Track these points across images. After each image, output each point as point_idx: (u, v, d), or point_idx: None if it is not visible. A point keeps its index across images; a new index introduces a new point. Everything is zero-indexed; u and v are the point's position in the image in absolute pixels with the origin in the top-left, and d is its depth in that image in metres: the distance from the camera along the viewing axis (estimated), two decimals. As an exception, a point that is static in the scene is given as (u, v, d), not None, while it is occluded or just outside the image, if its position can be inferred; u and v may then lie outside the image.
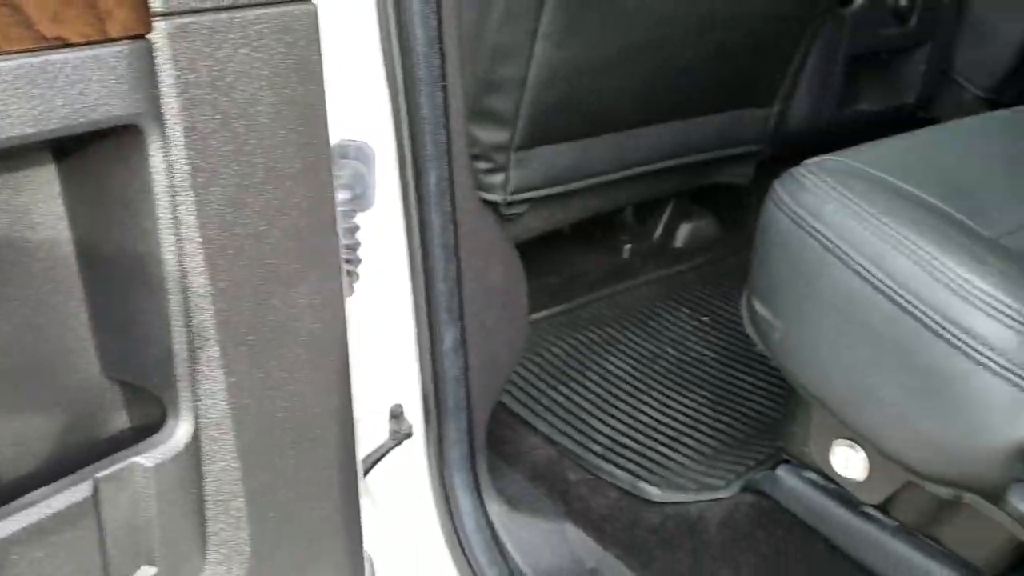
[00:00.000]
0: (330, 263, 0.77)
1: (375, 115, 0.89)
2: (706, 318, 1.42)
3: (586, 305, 1.44)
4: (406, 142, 0.89)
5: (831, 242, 0.73)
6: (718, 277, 1.55)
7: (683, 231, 1.63)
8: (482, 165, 1.19)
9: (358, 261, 0.88)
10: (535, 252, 1.48)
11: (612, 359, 1.31)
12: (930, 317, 0.67)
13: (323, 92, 0.72)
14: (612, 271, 1.54)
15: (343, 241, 0.88)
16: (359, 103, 0.89)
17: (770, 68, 1.37)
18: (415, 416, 1.00)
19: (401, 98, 0.87)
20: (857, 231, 0.72)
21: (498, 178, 1.20)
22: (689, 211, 1.65)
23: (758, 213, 1.70)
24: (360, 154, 0.91)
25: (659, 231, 1.62)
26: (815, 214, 0.75)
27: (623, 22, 1.12)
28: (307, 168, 0.72)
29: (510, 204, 1.23)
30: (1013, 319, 0.64)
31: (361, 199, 0.91)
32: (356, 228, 0.88)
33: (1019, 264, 0.69)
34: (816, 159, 0.86)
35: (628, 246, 1.59)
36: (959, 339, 0.65)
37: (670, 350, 1.34)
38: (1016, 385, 0.63)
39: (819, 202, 0.76)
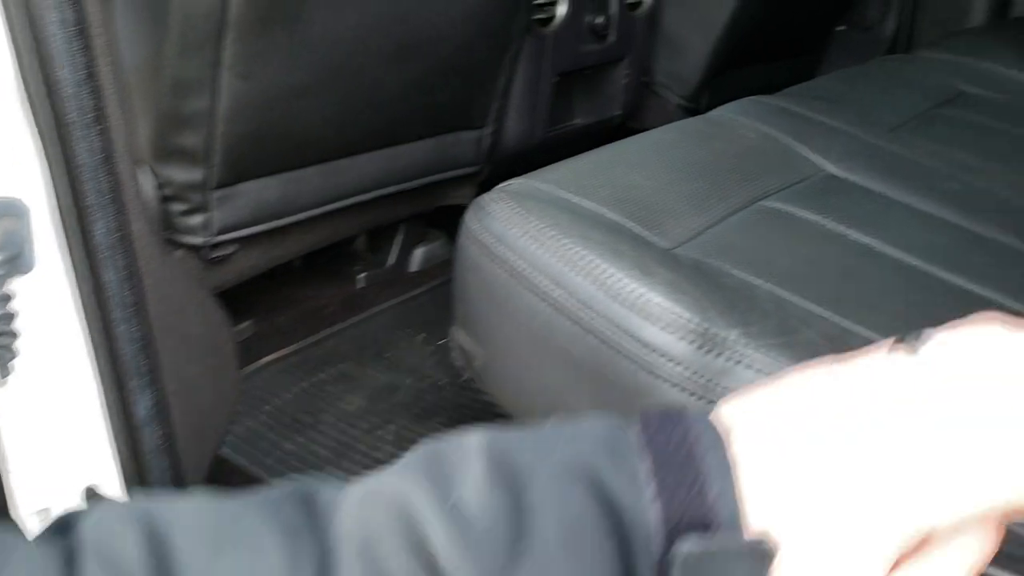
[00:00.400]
0: (-40, 345, 0.66)
1: (26, 167, 0.79)
2: (442, 341, 1.41)
3: (319, 342, 1.38)
4: (64, 193, 0.79)
5: (516, 267, 0.73)
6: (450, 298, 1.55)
7: (417, 255, 1.62)
8: (178, 207, 1.11)
9: (13, 336, 0.77)
10: (260, 290, 1.40)
11: (348, 397, 1.26)
12: (611, 333, 0.68)
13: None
14: (346, 303, 1.49)
15: (-7, 313, 0.77)
16: (5, 156, 0.79)
17: (477, 91, 1.39)
18: (116, 495, 0.90)
19: (52, 147, 0.78)
20: (538, 254, 0.72)
21: (198, 219, 1.12)
22: (422, 234, 1.64)
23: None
24: (12, 211, 0.80)
25: (393, 257, 1.59)
26: (500, 239, 0.75)
27: (310, 51, 1.08)
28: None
29: (216, 246, 1.15)
30: (684, 329, 0.66)
31: (16, 262, 0.80)
32: (9, 297, 0.77)
33: (686, 272, 0.72)
34: (505, 183, 0.86)
35: (362, 275, 1.54)
36: (637, 354, 0.67)
37: (408, 380, 1.31)
38: (692, 393, 0.66)
39: (503, 228, 0.75)
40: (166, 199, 1.10)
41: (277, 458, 1.14)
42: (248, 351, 1.34)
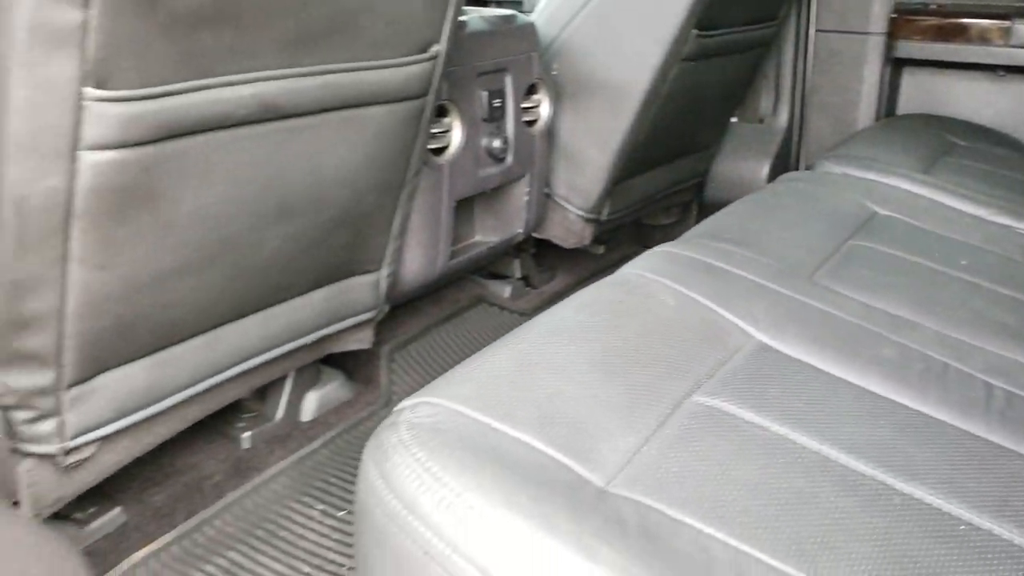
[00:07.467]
0: None
1: None
2: (343, 513, 1.27)
3: (202, 525, 1.22)
4: None
5: (433, 547, 0.61)
6: (353, 449, 1.41)
7: (310, 401, 1.47)
8: (23, 415, 0.95)
9: None
10: (130, 463, 1.23)
11: (234, 599, 1.08)
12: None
13: None
14: (231, 469, 1.33)
15: None
16: None
17: (372, 235, 1.27)
18: None
19: None
20: (459, 534, 0.61)
21: (48, 425, 0.96)
22: (315, 376, 1.50)
23: (388, 365, 1.58)
24: None
25: (282, 407, 1.44)
26: (412, 508, 0.63)
27: (178, 230, 0.95)
28: None
29: (71, 451, 0.99)
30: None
31: None
32: None
33: (632, 542, 0.61)
34: (410, 404, 0.75)
35: (247, 434, 1.39)
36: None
37: (306, 568, 1.16)
38: None
39: (413, 491, 0.64)
40: (6, 408, 0.93)
41: None
42: (118, 546, 1.17)
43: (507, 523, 0.61)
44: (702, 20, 1.62)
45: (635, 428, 0.76)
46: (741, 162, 2.18)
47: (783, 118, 2.19)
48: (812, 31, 2.15)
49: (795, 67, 2.16)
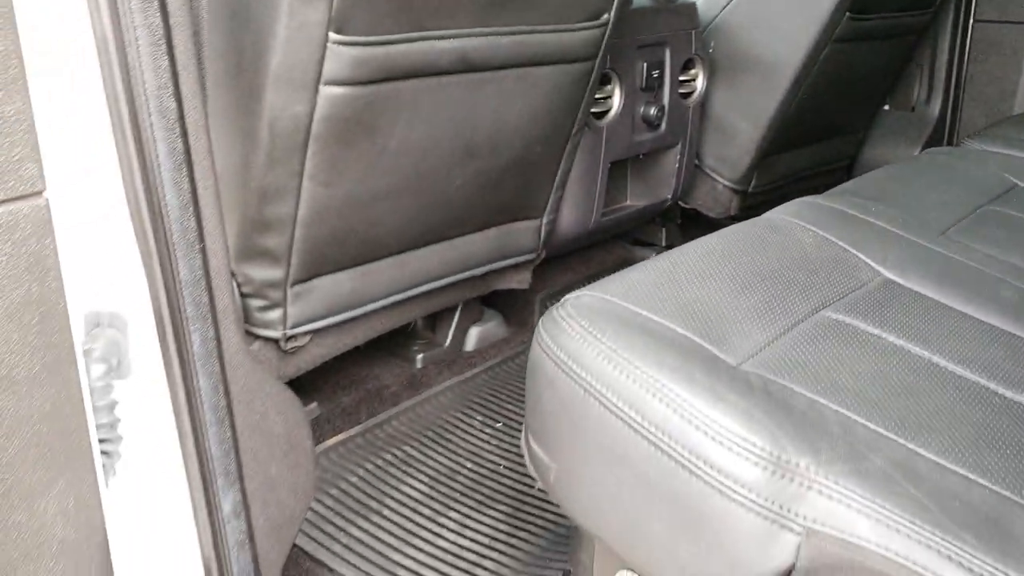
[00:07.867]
0: (82, 465, 0.72)
1: (130, 284, 0.85)
2: (499, 424, 1.44)
3: (381, 424, 1.43)
4: (164, 308, 0.85)
5: (592, 387, 0.77)
6: (508, 377, 1.59)
7: (472, 335, 1.66)
8: (256, 303, 1.17)
9: (119, 439, 0.82)
10: (325, 370, 1.46)
11: (410, 481, 1.30)
12: (685, 457, 0.71)
13: (62, 287, 0.68)
14: (406, 383, 1.54)
15: (100, 420, 0.83)
16: (111, 271, 0.85)
17: (537, 183, 1.44)
18: (198, 589, 0.94)
19: (156, 264, 0.84)
20: (614, 376, 0.76)
21: (275, 314, 1.18)
22: (478, 313, 1.69)
23: (540, 311, 1.76)
24: (115, 321, 0.86)
25: (450, 337, 1.64)
26: (576, 359, 0.79)
27: (387, 159, 1.14)
28: (47, 369, 0.67)
29: (290, 339, 1.21)
30: (757, 455, 0.69)
31: (118, 369, 0.86)
32: (114, 404, 0.83)
33: (757, 397, 0.75)
34: (574, 295, 0.91)
35: (420, 356, 1.59)
36: (712, 477, 0.70)
37: (467, 464, 1.34)
38: (766, 518, 0.69)
39: (578, 346, 0.80)
40: (244, 296, 1.16)
41: (344, 543, 1.17)
42: (316, 432, 1.39)
43: (653, 372, 0.76)
44: (856, 3, 1.70)
45: (766, 329, 0.89)
46: (890, 149, 2.22)
47: (936, 107, 2.22)
48: (971, 20, 2.17)
49: (951, 56, 2.19)
